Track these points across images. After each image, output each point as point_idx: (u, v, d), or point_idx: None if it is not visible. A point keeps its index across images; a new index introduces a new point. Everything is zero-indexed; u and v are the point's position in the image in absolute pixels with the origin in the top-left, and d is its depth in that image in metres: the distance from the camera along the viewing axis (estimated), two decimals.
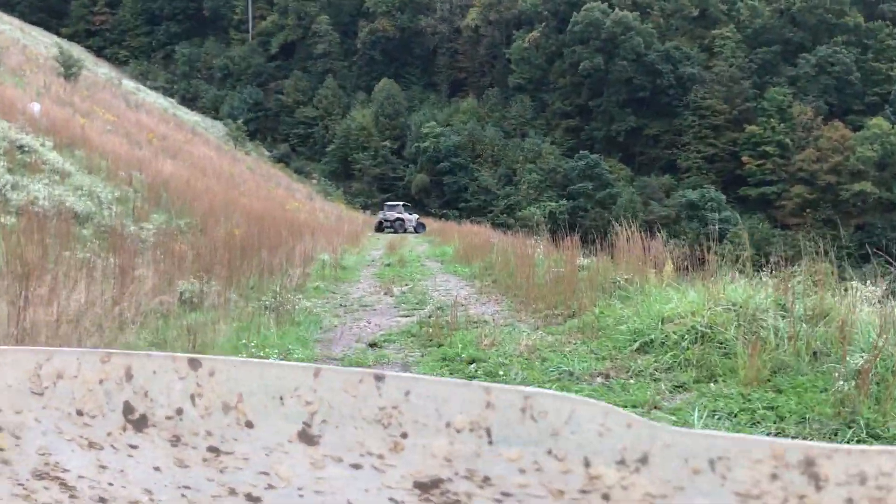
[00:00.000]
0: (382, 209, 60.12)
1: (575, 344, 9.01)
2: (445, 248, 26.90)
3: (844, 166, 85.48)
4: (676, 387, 7.15)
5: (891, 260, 9.45)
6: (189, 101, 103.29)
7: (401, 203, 60.99)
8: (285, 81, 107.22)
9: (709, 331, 8.03)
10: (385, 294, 14.35)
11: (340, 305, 12.75)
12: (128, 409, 0.88)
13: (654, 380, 7.40)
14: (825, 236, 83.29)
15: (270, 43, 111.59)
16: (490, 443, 0.77)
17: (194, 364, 0.86)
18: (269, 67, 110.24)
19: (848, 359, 6.42)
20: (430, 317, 10.88)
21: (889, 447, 0.66)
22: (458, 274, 18.50)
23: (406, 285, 15.99)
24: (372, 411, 0.80)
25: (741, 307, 8.30)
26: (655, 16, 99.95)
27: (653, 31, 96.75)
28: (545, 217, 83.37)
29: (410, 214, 57.12)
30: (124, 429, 0.89)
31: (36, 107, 28.81)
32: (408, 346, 9.39)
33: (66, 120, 29.71)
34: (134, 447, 0.90)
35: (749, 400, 6.42)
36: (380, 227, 53.63)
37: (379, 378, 0.80)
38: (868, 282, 11.15)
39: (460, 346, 8.95)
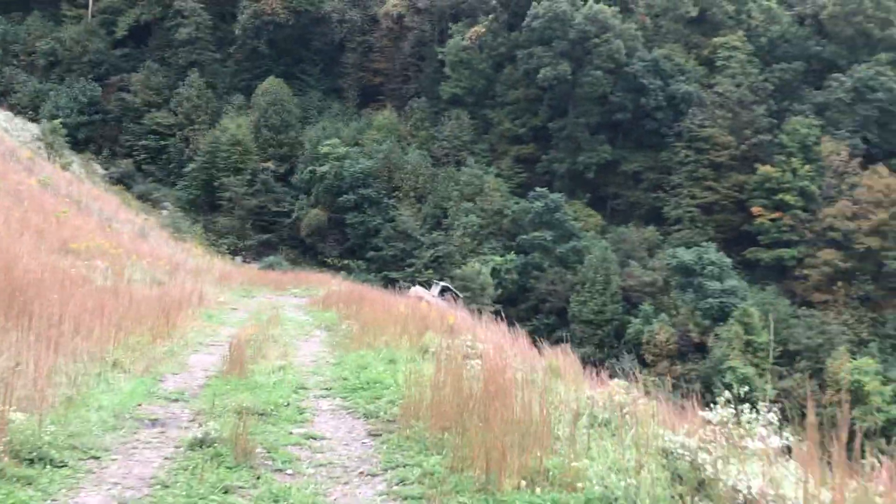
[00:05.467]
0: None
1: None
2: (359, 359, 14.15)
3: (891, 227, 76.56)
4: None
5: None
6: None
7: (441, 284, 52.60)
8: (133, 75, 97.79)
9: None
10: None
11: None
12: None
13: None
14: (863, 320, 69.81)
15: (116, 23, 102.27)
16: None
17: None
18: (112, 56, 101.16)
19: None
20: None
21: None
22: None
23: None
24: None
25: None
26: (641, 14, 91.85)
27: (637, 34, 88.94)
28: (489, 276, 74.51)
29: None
30: None
31: None
32: None
33: None
34: None
35: None
36: None
37: None
38: None
39: None
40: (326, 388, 12.37)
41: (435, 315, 17.59)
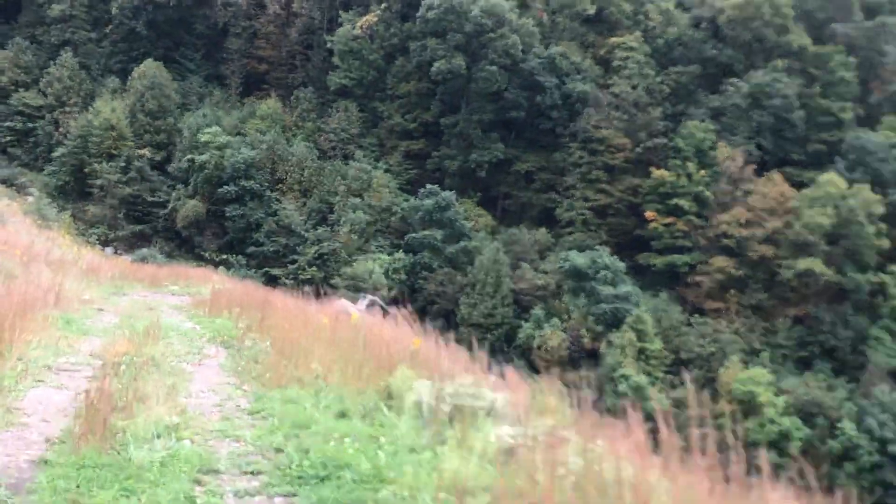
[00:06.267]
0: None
1: None
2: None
3: (785, 235, 75.24)
4: None
5: None
6: None
7: (369, 297, 48.05)
8: (1, 53, 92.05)
9: None
10: None
11: None
12: None
13: None
14: (754, 329, 67.02)
15: None
16: None
17: None
18: None
19: None
20: None
21: None
22: None
23: None
24: None
25: None
26: (539, 9, 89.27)
27: (534, 30, 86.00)
28: (382, 275, 71.04)
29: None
30: None
31: None
32: None
33: None
34: None
35: None
36: None
37: None
38: None
39: None
40: (252, 472, 7.53)
41: (388, 336, 13.05)
